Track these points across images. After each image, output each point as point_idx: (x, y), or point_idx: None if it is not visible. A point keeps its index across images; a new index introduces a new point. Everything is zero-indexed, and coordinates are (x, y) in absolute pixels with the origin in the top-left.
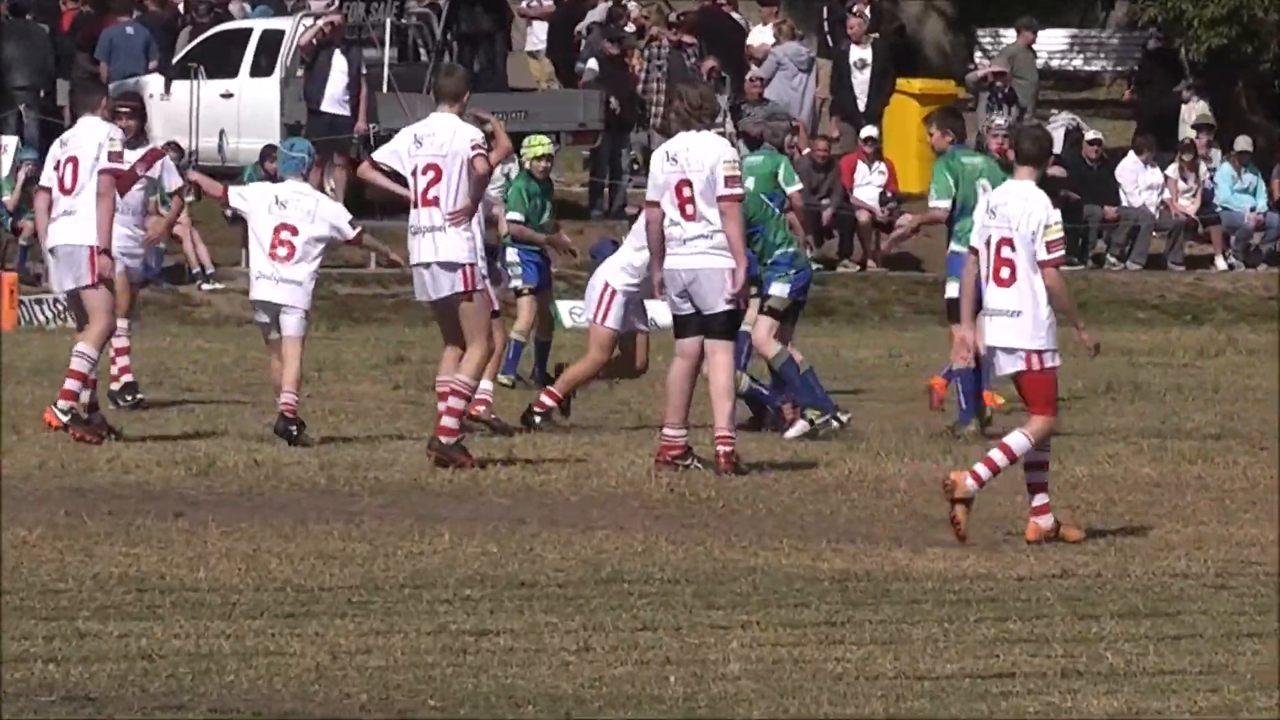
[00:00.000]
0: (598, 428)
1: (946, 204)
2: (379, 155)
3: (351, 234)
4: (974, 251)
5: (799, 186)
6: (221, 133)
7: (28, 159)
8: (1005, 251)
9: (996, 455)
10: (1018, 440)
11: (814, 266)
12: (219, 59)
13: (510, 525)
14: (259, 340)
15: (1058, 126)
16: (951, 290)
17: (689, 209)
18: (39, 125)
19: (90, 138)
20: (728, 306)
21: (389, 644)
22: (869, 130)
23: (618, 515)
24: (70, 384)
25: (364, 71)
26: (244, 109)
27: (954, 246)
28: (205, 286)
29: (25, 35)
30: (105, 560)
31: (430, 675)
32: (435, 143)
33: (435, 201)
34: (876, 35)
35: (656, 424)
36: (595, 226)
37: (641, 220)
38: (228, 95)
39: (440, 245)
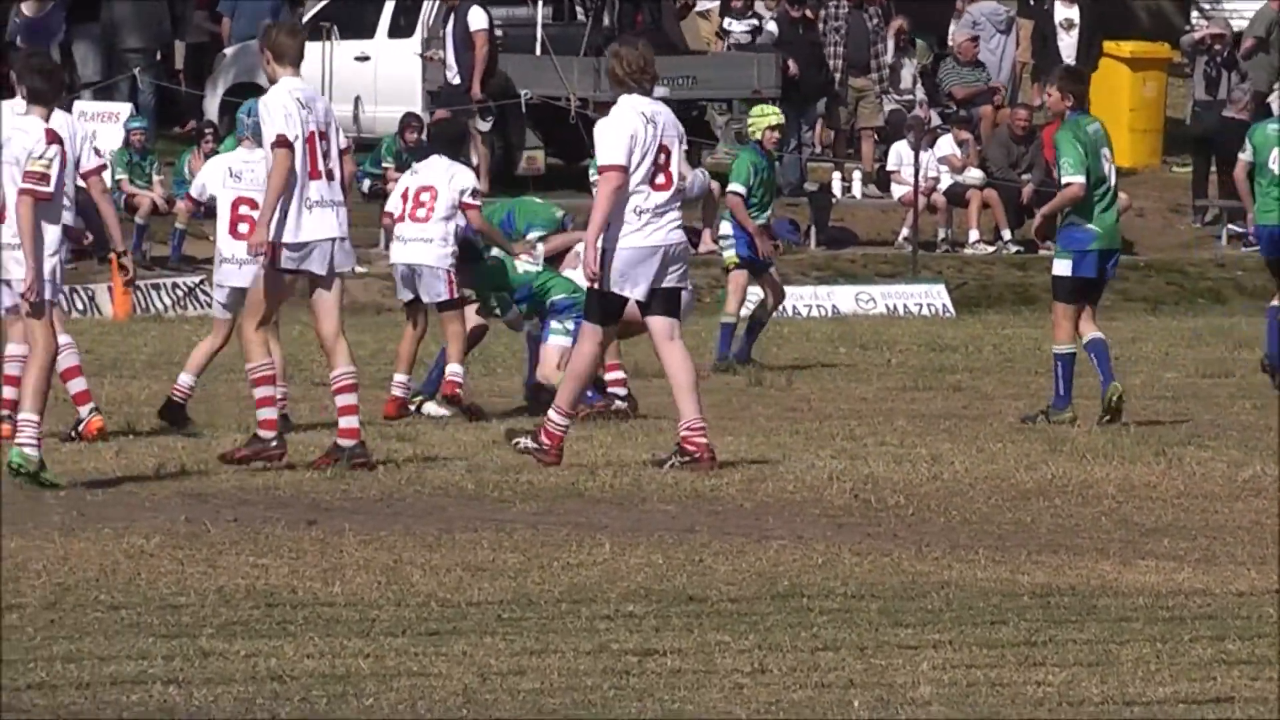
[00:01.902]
0: (773, 428)
1: (1082, 178)
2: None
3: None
4: None
5: None
6: (357, 100)
7: (137, 128)
8: None
9: None
10: None
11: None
12: (353, 18)
13: (677, 535)
14: (400, 330)
15: None
16: (1061, 268)
17: (660, 178)
18: (155, 91)
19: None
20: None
21: (544, 665)
22: None
23: (796, 524)
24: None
25: (480, 29)
26: (381, 74)
27: (1074, 219)
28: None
29: None
30: (230, 572)
31: (589, 699)
32: (320, 109)
33: (332, 174)
34: None
35: (839, 423)
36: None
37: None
38: (363, 58)
39: (341, 220)
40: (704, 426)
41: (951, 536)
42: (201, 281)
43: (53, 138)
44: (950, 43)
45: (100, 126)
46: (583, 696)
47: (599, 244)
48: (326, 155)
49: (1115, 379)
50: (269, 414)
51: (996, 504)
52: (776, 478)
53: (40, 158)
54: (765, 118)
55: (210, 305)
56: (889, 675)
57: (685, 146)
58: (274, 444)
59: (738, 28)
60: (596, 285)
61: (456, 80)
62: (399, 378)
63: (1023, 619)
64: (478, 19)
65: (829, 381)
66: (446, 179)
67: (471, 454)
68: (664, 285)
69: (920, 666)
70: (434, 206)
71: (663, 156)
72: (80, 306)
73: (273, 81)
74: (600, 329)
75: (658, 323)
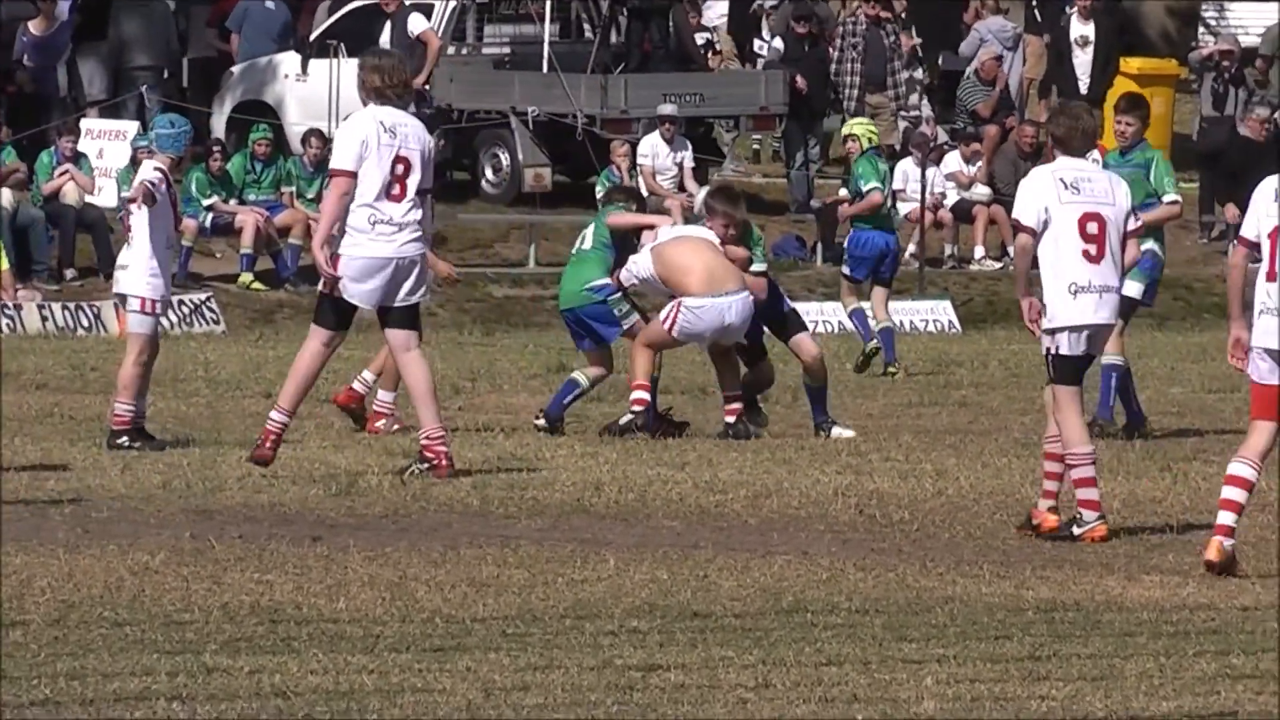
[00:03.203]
0: (778, 444)
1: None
2: None
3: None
4: (1245, 244)
5: None
6: None
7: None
8: None
9: (1236, 494)
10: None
11: None
12: (361, 35)
13: (682, 550)
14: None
15: None
16: (1131, 289)
17: (396, 189)
18: (161, 109)
19: None
20: (426, 298)
21: (548, 680)
22: None
23: (801, 539)
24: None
25: (426, 28)
26: None
27: (1153, 242)
28: None
29: (145, 10)
30: (235, 588)
31: (594, 714)
32: None
33: None
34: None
35: (844, 439)
36: (777, 221)
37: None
38: None
39: None
40: (444, 435)
41: (956, 552)
42: (208, 299)
43: None
44: (965, 55)
45: (107, 145)
46: (587, 712)
47: (337, 250)
48: None
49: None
50: None
51: (1002, 519)
52: (782, 493)
53: None
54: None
55: (217, 322)
56: (893, 690)
57: (431, 157)
58: None
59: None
60: (327, 290)
61: None
62: (384, 396)
63: (1027, 634)
64: (419, 22)
65: (834, 397)
66: None
67: (476, 470)
68: (399, 302)
69: (924, 681)
70: None
71: (400, 167)
72: (85, 323)
73: None
74: (329, 332)
75: (395, 335)
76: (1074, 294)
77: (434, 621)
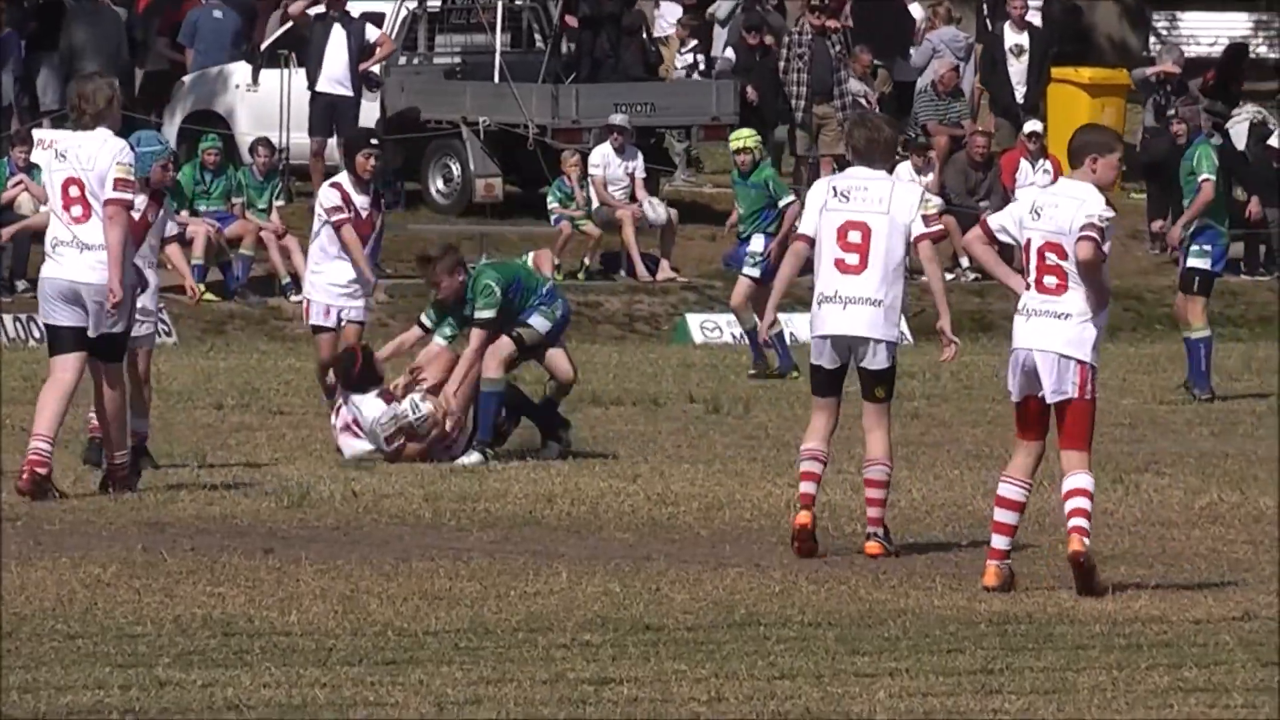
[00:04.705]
0: (731, 456)
1: None
2: None
3: None
4: (985, 230)
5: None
6: None
7: None
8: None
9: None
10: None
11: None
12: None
13: (634, 563)
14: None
15: (1240, 120)
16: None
17: (79, 210)
18: None
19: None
20: (119, 329)
21: (501, 694)
22: (1032, 124)
23: (753, 552)
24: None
25: (381, 30)
26: None
27: None
28: (296, 299)
29: (95, 19)
30: (187, 601)
31: None
32: None
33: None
34: (1034, 19)
35: (796, 451)
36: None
37: None
38: None
39: None
40: (47, 460)
41: (909, 564)
42: (159, 309)
43: None
44: (917, 65)
45: None
46: None
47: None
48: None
49: None
50: None
51: (954, 531)
52: (734, 505)
53: None
54: (731, 142)
55: (169, 333)
56: (846, 704)
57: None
58: None
59: (679, 62)
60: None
61: (349, 93)
62: None
63: (980, 647)
64: (373, 31)
65: (786, 409)
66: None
67: (428, 483)
68: (95, 330)
69: (877, 695)
70: None
71: (75, 189)
72: (37, 335)
73: None
74: (58, 358)
75: (93, 363)
76: (819, 304)
77: (386, 634)
